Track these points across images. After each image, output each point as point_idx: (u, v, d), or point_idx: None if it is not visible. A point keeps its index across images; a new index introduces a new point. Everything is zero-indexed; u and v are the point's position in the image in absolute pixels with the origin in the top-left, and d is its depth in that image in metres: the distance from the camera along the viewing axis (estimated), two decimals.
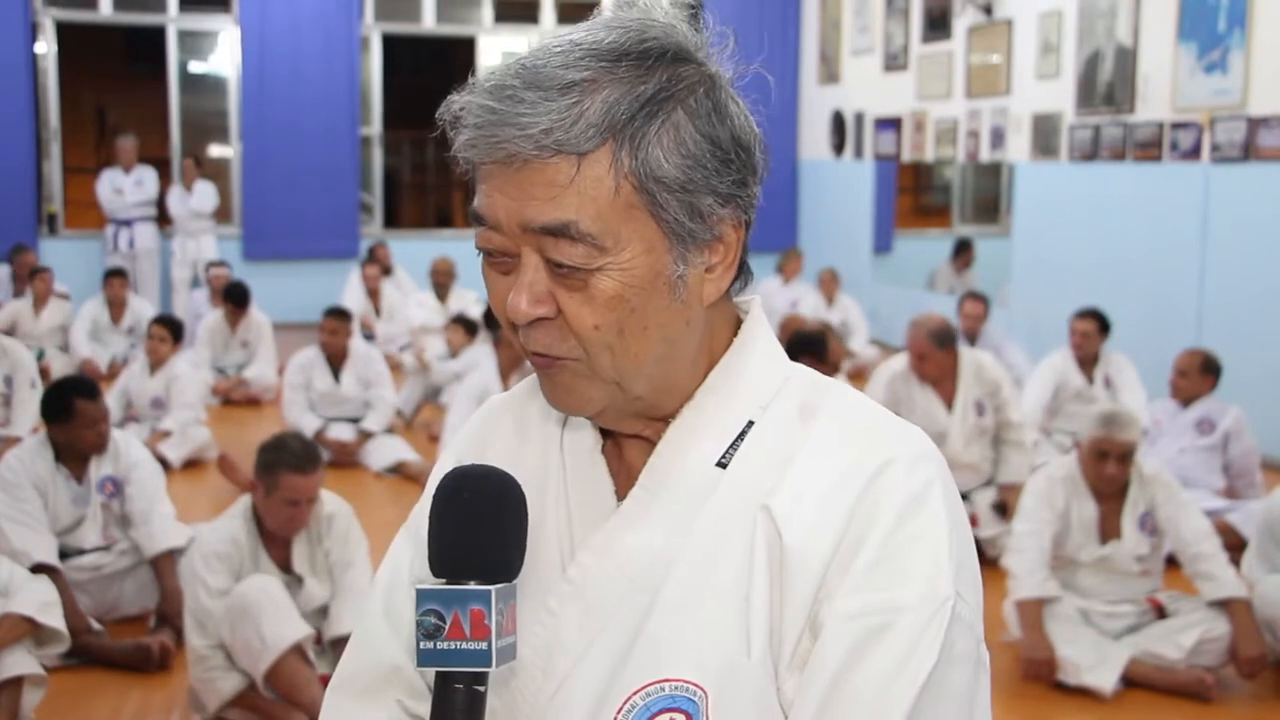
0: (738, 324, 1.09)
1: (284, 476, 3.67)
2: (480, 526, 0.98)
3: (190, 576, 3.87)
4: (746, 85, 1.05)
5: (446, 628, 0.95)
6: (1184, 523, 4.15)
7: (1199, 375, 5.60)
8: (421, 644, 0.95)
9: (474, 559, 0.97)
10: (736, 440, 1.04)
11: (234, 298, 8.58)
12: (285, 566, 3.80)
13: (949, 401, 5.39)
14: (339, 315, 7.05)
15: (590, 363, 0.99)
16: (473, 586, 0.96)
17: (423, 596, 0.96)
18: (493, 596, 0.95)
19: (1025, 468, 5.30)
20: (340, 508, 3.90)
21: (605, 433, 1.09)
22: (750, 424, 1.04)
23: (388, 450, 6.78)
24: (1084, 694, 4.04)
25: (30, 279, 8.86)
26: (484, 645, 0.95)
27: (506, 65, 0.98)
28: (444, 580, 0.97)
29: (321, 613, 3.82)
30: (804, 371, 1.09)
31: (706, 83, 0.99)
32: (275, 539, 3.79)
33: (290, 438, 3.85)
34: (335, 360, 6.98)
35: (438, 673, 0.97)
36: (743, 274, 1.05)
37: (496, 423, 1.17)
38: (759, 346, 1.08)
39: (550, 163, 0.94)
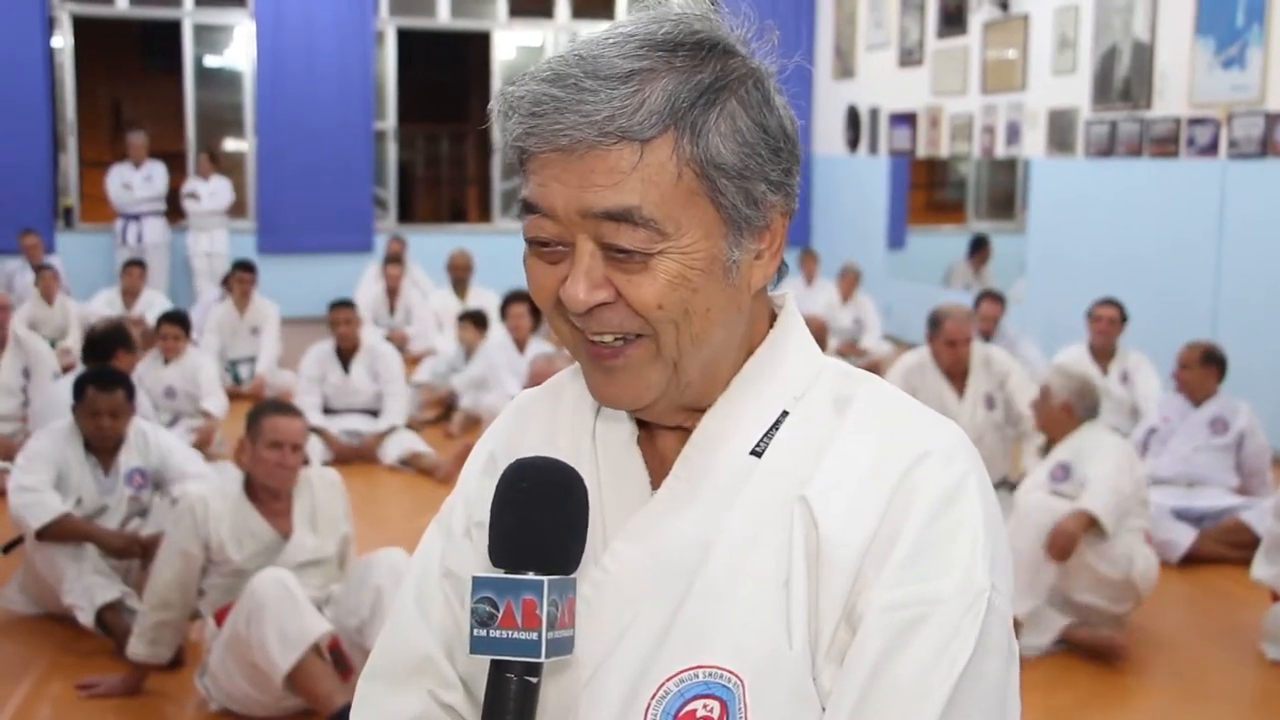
0: (773, 318, 1.11)
1: (265, 419, 3.76)
2: (538, 518, 0.99)
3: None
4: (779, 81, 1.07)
5: (499, 616, 0.96)
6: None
7: (1200, 367, 5.58)
8: (475, 631, 0.97)
9: (531, 550, 0.98)
10: (771, 430, 1.05)
11: (244, 266, 8.62)
12: (275, 526, 3.83)
13: (961, 394, 5.43)
14: (347, 306, 7.07)
15: (657, 339, 1.01)
16: (527, 576, 0.97)
17: (478, 584, 0.97)
18: (545, 587, 0.96)
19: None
20: (326, 473, 4.02)
21: (640, 424, 1.11)
22: (785, 414, 1.06)
23: (400, 443, 6.80)
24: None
25: (37, 274, 8.81)
26: (534, 635, 0.95)
27: (561, 56, 0.99)
28: (503, 570, 0.98)
29: (310, 565, 3.84)
30: (838, 364, 1.11)
31: (754, 75, 1.02)
32: (264, 500, 3.82)
33: (271, 399, 3.97)
34: (347, 353, 7.02)
35: (491, 661, 0.98)
36: (780, 266, 1.08)
37: (531, 413, 1.19)
38: (794, 339, 1.10)
39: (613, 149, 0.96)
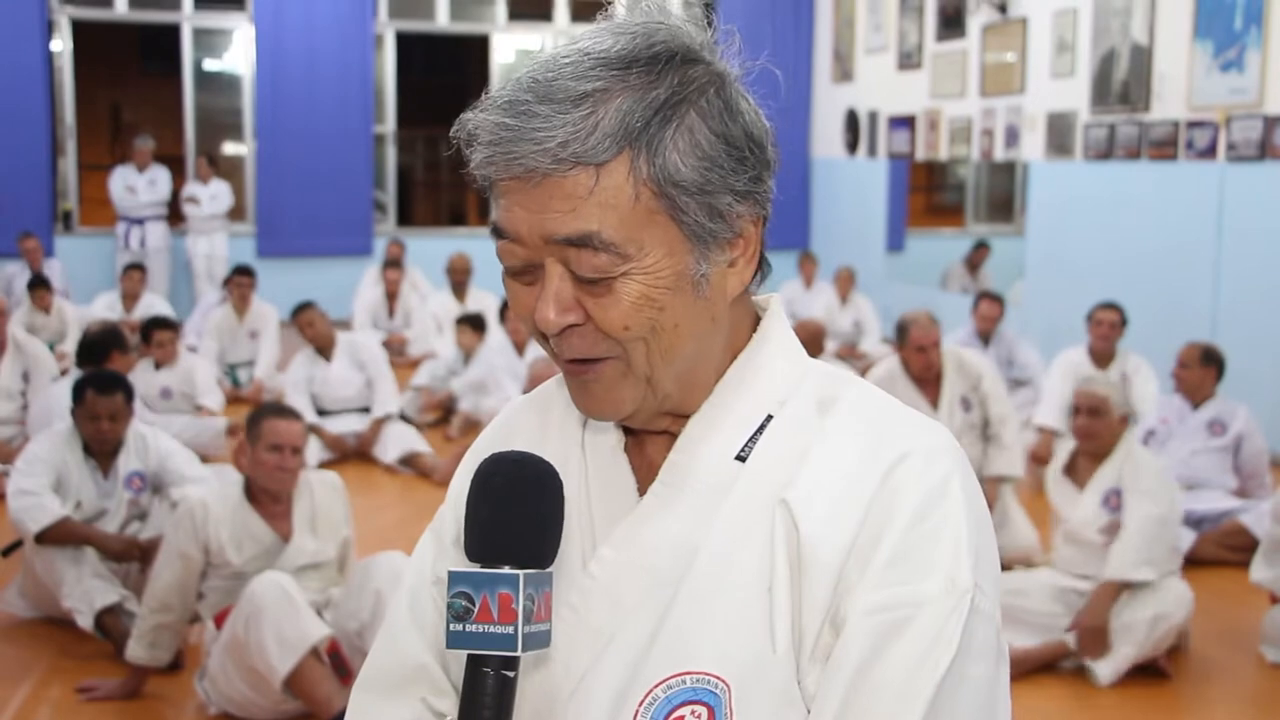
0: (757, 321, 1.10)
1: (265, 422, 3.77)
2: (512, 512, 0.99)
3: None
4: (759, 83, 1.05)
5: (475, 610, 0.96)
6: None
7: (1200, 366, 5.59)
8: (451, 626, 0.97)
9: (506, 544, 0.98)
10: (755, 434, 1.05)
11: (242, 270, 8.60)
12: (275, 530, 3.83)
13: (934, 401, 5.39)
14: (306, 308, 7.05)
15: (628, 359, 1.00)
16: (503, 570, 0.97)
17: (454, 579, 0.97)
18: (520, 581, 0.96)
19: (1006, 465, 5.27)
20: (326, 476, 4.02)
21: (627, 430, 1.10)
22: (769, 418, 1.05)
23: (399, 440, 6.79)
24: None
25: (30, 289, 8.72)
26: (510, 630, 0.95)
27: (518, 79, 0.99)
28: (479, 564, 0.98)
29: (310, 568, 3.83)
30: (823, 366, 1.10)
31: (716, 82, 1.00)
32: (264, 503, 3.82)
33: (270, 403, 3.97)
34: (324, 350, 7.04)
35: (468, 656, 0.97)
36: (761, 268, 1.06)
37: (520, 419, 1.19)
38: (777, 342, 1.09)
39: (569, 175, 0.95)
